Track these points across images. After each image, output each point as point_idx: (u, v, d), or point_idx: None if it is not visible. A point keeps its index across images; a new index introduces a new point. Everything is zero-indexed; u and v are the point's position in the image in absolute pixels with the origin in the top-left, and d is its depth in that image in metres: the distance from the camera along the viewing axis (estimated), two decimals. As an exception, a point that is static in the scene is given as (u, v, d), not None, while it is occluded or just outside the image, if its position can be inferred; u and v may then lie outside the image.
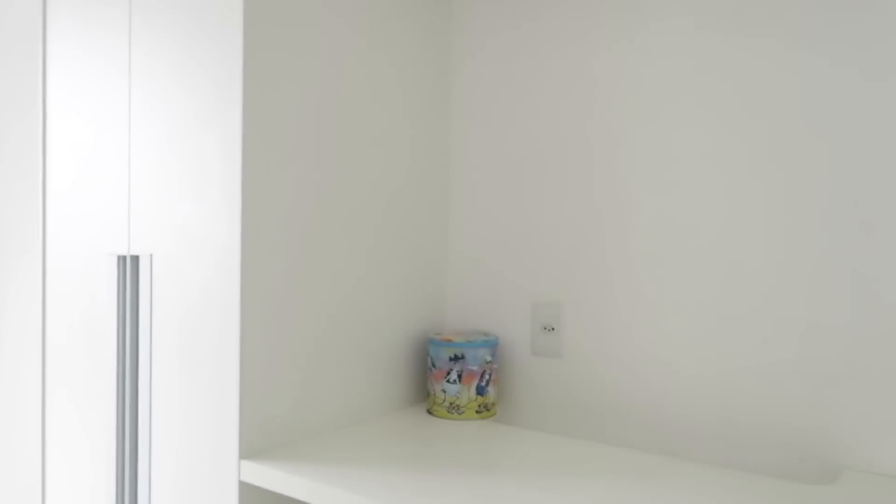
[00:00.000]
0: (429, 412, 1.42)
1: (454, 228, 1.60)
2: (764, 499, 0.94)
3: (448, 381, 1.37)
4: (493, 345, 1.40)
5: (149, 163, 1.26)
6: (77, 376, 1.42)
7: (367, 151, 1.37)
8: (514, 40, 1.49)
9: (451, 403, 1.37)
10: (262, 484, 1.07)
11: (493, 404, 1.41)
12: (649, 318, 1.30)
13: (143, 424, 1.26)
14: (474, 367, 1.37)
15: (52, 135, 1.48)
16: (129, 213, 1.30)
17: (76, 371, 1.42)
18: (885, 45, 1.07)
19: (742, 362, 1.20)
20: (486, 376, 1.39)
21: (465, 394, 1.37)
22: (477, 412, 1.38)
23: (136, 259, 1.29)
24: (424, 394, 1.53)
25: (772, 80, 1.17)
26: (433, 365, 1.40)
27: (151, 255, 1.25)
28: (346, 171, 1.31)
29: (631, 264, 1.33)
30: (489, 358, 1.39)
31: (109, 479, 1.31)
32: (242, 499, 1.11)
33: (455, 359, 1.37)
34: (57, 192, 1.47)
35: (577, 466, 1.07)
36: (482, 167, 1.53)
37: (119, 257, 1.32)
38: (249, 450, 1.12)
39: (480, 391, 1.38)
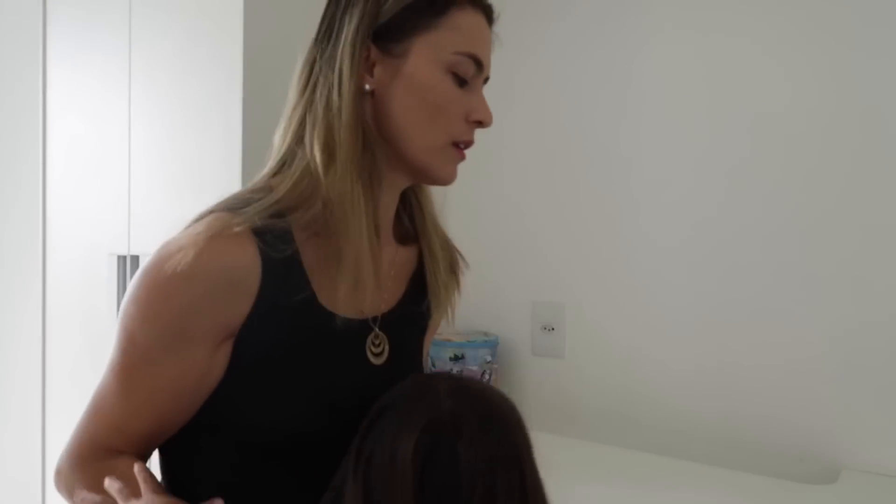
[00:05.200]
0: (429, 412, 1.42)
1: (454, 228, 1.59)
2: (764, 499, 0.94)
3: (448, 381, 1.37)
4: (493, 345, 1.40)
5: (149, 163, 1.26)
6: (77, 376, 1.41)
7: (367, 151, 1.36)
8: (514, 42, 1.49)
9: (451, 403, 1.37)
10: (262, 484, 1.07)
11: (493, 404, 1.41)
12: (649, 318, 1.30)
13: (143, 424, 1.26)
14: (474, 367, 1.37)
15: (52, 135, 1.48)
16: (129, 213, 1.30)
17: (76, 371, 1.42)
18: (885, 44, 1.07)
19: (742, 363, 1.19)
20: (486, 376, 1.38)
21: (465, 394, 1.37)
22: (477, 412, 1.38)
23: (136, 259, 1.29)
24: (424, 394, 1.53)
25: (773, 79, 1.17)
26: (433, 365, 1.40)
27: (151, 255, 1.25)
28: (346, 171, 1.31)
29: (631, 264, 1.32)
30: (489, 358, 1.39)
31: (109, 479, 1.31)
32: (242, 499, 1.11)
33: (455, 359, 1.37)
34: (57, 193, 1.47)
35: (577, 467, 1.07)
36: (482, 167, 1.53)
37: (119, 257, 1.32)
38: (249, 450, 1.12)
39: (480, 391, 1.38)
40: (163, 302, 0.54)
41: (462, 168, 0.69)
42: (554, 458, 1.18)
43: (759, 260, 1.18)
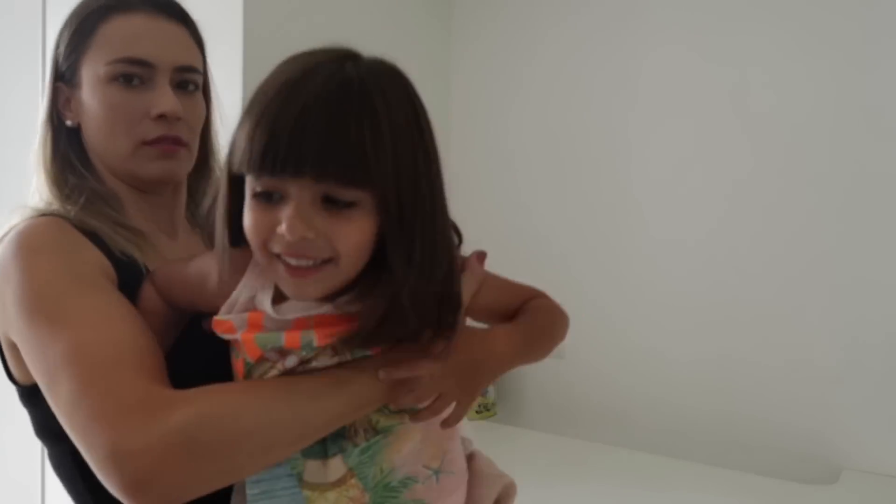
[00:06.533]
0: (429, 412, 1.42)
1: (454, 228, 1.59)
2: (764, 499, 0.94)
3: (448, 381, 1.37)
4: (493, 345, 1.40)
5: (149, 163, 1.26)
6: (77, 376, 1.41)
7: (367, 151, 1.36)
8: (514, 42, 1.49)
9: (451, 403, 1.37)
10: (262, 484, 1.07)
11: (493, 404, 1.41)
12: (649, 318, 1.30)
13: (143, 424, 1.26)
14: (474, 367, 1.37)
15: (51, 135, 1.48)
16: (129, 214, 1.30)
17: (76, 371, 1.42)
18: (887, 43, 1.07)
19: (743, 363, 1.19)
20: (486, 376, 1.38)
21: (465, 394, 1.37)
22: (477, 412, 1.38)
23: (136, 259, 1.29)
24: (424, 394, 1.53)
25: (778, 80, 1.17)
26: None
27: (151, 256, 1.25)
28: (346, 172, 1.31)
29: (631, 264, 1.32)
30: (489, 358, 1.39)
31: (109, 479, 1.31)
32: (242, 499, 1.11)
33: (455, 359, 1.37)
34: (57, 193, 1.47)
35: (578, 466, 1.07)
36: (482, 167, 1.53)
37: (119, 257, 1.32)
38: (249, 450, 1.12)
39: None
40: (38, 247, 0.54)
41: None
42: (554, 458, 1.18)
43: (760, 261, 1.18)
